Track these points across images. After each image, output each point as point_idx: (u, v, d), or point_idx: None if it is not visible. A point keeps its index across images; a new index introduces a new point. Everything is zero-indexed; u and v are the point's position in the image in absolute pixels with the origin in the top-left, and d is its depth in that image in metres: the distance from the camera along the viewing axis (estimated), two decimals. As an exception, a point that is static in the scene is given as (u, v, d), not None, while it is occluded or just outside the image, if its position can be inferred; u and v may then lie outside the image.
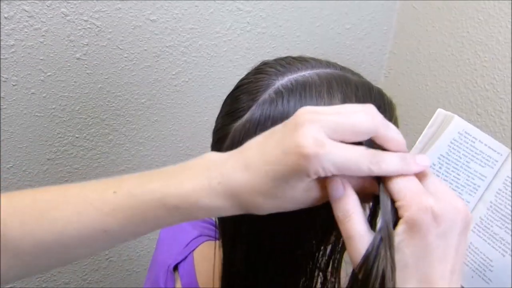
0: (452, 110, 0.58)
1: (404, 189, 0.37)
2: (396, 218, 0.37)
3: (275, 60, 0.50)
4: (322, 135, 0.35)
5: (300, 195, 0.37)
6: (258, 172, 0.36)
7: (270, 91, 0.46)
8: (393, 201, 0.37)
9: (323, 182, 0.37)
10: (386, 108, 0.48)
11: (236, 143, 0.46)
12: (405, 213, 0.36)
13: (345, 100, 0.45)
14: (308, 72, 0.47)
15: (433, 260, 0.36)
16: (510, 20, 0.97)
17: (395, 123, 0.49)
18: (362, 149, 0.36)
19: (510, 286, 0.56)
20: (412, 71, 1.24)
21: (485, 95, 1.04)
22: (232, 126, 0.47)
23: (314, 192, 0.38)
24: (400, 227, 0.36)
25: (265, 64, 0.50)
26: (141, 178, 0.39)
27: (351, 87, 0.47)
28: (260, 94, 0.46)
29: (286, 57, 0.51)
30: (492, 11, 1.00)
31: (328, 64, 0.50)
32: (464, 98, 1.09)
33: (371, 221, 0.41)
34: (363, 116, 0.36)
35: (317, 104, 0.44)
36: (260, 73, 0.48)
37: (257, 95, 0.46)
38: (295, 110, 0.42)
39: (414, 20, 1.22)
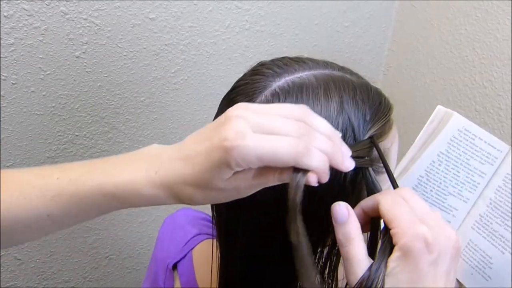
0: (450, 107, 0.58)
1: (398, 217, 0.39)
2: (391, 245, 0.39)
3: (272, 60, 0.50)
4: (246, 129, 0.36)
5: (227, 186, 0.39)
6: (189, 164, 0.38)
7: (267, 93, 0.45)
8: (388, 228, 0.39)
9: (250, 171, 0.38)
10: (383, 109, 0.48)
11: None
12: (399, 240, 0.38)
13: (343, 102, 0.45)
14: (305, 73, 0.47)
15: (425, 285, 0.38)
16: (508, 17, 0.97)
17: (389, 124, 0.49)
18: (290, 140, 0.36)
19: (509, 283, 0.56)
20: (410, 69, 1.25)
21: (484, 92, 1.04)
22: None
23: (241, 182, 0.39)
24: (395, 254, 0.38)
25: (262, 65, 0.50)
26: (85, 166, 0.41)
27: (349, 88, 0.46)
28: (256, 95, 0.46)
29: (283, 58, 0.50)
30: (490, 9, 1.01)
31: (326, 64, 0.49)
32: (462, 95, 1.09)
33: (371, 247, 0.43)
34: (286, 144, 0.36)
35: (313, 107, 0.44)
36: (257, 74, 0.48)
37: (254, 97, 0.46)
38: None
39: (412, 18, 1.22)
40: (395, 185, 0.44)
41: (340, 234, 0.40)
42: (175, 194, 0.40)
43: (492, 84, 1.02)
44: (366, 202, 0.43)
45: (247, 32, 1.10)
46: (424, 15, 1.18)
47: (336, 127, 0.44)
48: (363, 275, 0.38)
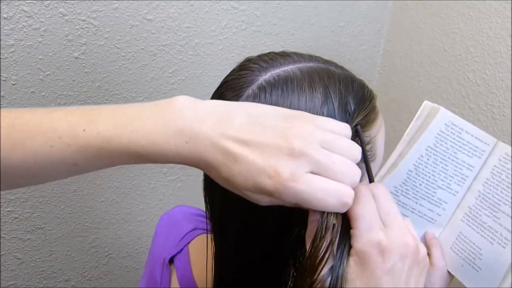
0: (445, 105, 0.59)
1: (359, 218, 0.40)
2: (350, 245, 0.40)
3: (259, 56, 0.51)
4: (302, 171, 0.37)
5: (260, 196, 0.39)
6: (228, 160, 0.38)
7: (254, 87, 0.47)
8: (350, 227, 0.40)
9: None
10: (367, 98, 0.49)
11: None
12: (355, 243, 0.39)
13: (327, 93, 0.46)
14: (290, 67, 0.48)
15: None
16: (500, 16, 0.98)
17: (374, 113, 0.50)
18: (340, 192, 0.38)
19: (498, 274, 0.57)
20: (405, 68, 1.26)
21: (477, 90, 1.05)
22: None
23: (269, 200, 0.40)
24: (352, 258, 0.39)
25: (248, 60, 0.51)
26: (111, 118, 0.40)
27: (333, 80, 0.47)
28: (244, 90, 0.47)
29: (269, 53, 0.52)
30: (482, 7, 1.02)
31: (310, 58, 0.51)
32: (456, 93, 1.10)
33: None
34: (335, 198, 0.38)
35: (298, 98, 0.45)
36: (244, 69, 0.49)
37: (241, 91, 0.47)
38: (277, 104, 0.44)
39: (406, 17, 1.24)
40: (371, 178, 0.45)
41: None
42: (204, 171, 0.40)
43: (485, 82, 1.03)
44: None
45: (243, 32, 1.11)
46: (418, 14, 1.20)
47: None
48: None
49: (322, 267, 0.39)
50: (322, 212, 0.40)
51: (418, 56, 1.21)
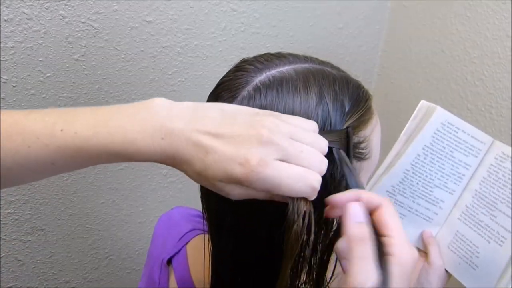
0: (443, 106, 0.60)
1: (397, 229, 0.39)
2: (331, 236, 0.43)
3: (254, 57, 0.52)
4: (271, 157, 0.39)
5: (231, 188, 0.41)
6: (201, 153, 0.39)
7: (249, 88, 0.47)
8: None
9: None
10: (362, 99, 0.50)
11: None
12: (397, 252, 0.38)
13: (322, 93, 0.47)
14: (285, 68, 0.49)
15: None
16: (498, 17, 0.99)
17: (369, 113, 0.51)
18: (308, 176, 0.40)
19: (495, 272, 0.58)
20: (404, 69, 1.27)
21: (475, 90, 1.06)
22: None
23: (240, 192, 0.41)
24: (395, 268, 0.38)
25: (244, 61, 0.52)
26: (89, 118, 0.40)
27: (328, 80, 0.48)
28: (239, 91, 0.48)
29: (264, 54, 0.52)
30: (480, 9, 1.03)
31: (306, 59, 0.51)
32: (455, 94, 1.11)
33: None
34: (303, 183, 0.40)
35: (293, 99, 0.46)
36: (240, 71, 0.50)
37: (237, 92, 0.48)
38: (271, 105, 0.45)
39: (405, 19, 1.24)
40: (350, 184, 0.44)
41: (355, 231, 0.39)
42: (178, 167, 0.41)
43: (483, 83, 1.04)
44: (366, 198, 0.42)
45: (243, 34, 1.11)
46: (416, 16, 1.20)
47: (316, 117, 0.46)
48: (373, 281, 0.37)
49: (300, 254, 0.41)
50: (292, 199, 0.41)
51: (416, 57, 1.22)
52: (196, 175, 0.41)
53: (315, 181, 0.40)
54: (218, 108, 0.42)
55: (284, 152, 0.39)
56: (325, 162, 0.42)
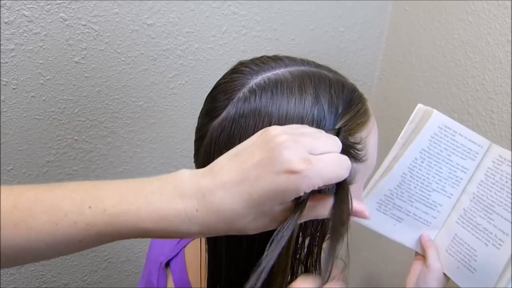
0: (444, 111, 0.60)
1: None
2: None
3: (251, 60, 0.52)
4: (306, 152, 0.38)
5: (280, 215, 0.40)
6: (243, 192, 0.38)
7: (245, 90, 0.47)
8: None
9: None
10: (354, 102, 0.50)
11: (214, 140, 0.48)
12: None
13: (317, 96, 0.47)
14: (281, 70, 0.49)
15: None
16: (499, 22, 0.99)
17: (366, 114, 0.51)
18: (335, 159, 0.40)
19: (493, 275, 0.57)
20: (405, 73, 1.26)
21: (476, 95, 1.05)
22: (211, 124, 0.49)
23: (289, 211, 0.40)
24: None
25: (241, 64, 0.52)
26: (117, 195, 0.39)
27: (324, 83, 0.48)
28: (235, 93, 0.48)
29: (261, 57, 0.53)
30: (481, 13, 1.02)
31: (302, 62, 0.51)
32: (455, 99, 1.10)
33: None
34: (341, 162, 0.40)
35: (288, 101, 0.46)
36: (236, 73, 0.50)
37: (233, 94, 0.48)
38: (266, 107, 0.45)
39: (406, 23, 1.24)
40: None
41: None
42: (221, 229, 0.39)
43: (484, 88, 1.03)
44: None
45: (243, 37, 1.11)
46: (417, 20, 1.20)
47: (311, 119, 0.46)
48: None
49: (295, 255, 0.42)
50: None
51: (417, 61, 1.21)
52: (251, 224, 0.39)
53: (346, 160, 0.40)
54: (226, 157, 0.41)
55: (307, 145, 0.38)
56: (337, 141, 0.41)
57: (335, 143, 0.41)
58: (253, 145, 0.40)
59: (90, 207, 0.39)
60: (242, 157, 0.40)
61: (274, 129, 0.40)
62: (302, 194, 0.38)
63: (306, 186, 0.37)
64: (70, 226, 0.38)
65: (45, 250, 0.40)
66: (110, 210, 0.38)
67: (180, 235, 0.39)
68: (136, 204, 0.38)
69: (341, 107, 0.48)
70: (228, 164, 0.40)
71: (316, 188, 0.38)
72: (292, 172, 0.37)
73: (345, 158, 0.40)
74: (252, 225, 0.39)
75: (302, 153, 0.38)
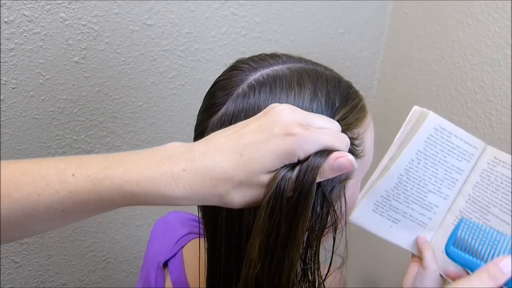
0: (443, 113, 0.60)
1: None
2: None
3: (249, 57, 0.53)
4: (303, 123, 0.39)
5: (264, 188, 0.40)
6: (234, 154, 0.38)
7: (244, 86, 0.48)
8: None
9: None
10: (350, 97, 0.51)
11: None
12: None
13: (316, 90, 0.47)
14: (279, 66, 0.50)
15: None
16: (498, 25, 0.99)
17: (364, 111, 0.52)
18: (332, 131, 0.42)
19: None
20: (404, 75, 1.26)
21: (475, 98, 1.06)
22: (210, 120, 0.49)
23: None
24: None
25: (239, 61, 0.53)
26: (102, 162, 0.39)
27: (322, 79, 0.49)
28: (234, 89, 0.48)
29: (259, 54, 0.53)
30: (481, 16, 1.03)
31: (300, 59, 0.52)
32: (455, 101, 1.10)
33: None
34: (335, 137, 0.42)
35: (287, 95, 0.47)
36: (235, 70, 0.51)
37: (232, 90, 0.48)
38: (265, 101, 0.46)
39: (406, 25, 1.24)
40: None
41: None
42: (206, 192, 0.39)
43: (483, 90, 1.04)
44: None
45: (243, 38, 1.12)
46: (417, 22, 1.20)
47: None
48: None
49: None
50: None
51: (417, 63, 1.22)
52: (238, 192, 0.39)
53: (345, 136, 0.42)
54: (221, 130, 0.42)
55: (307, 117, 0.40)
56: (337, 124, 0.44)
57: (335, 124, 0.43)
58: (251, 118, 0.42)
59: (73, 175, 0.38)
60: (238, 126, 0.41)
61: (272, 105, 0.42)
62: (295, 159, 0.39)
63: (301, 149, 0.38)
64: (52, 195, 0.38)
65: (32, 223, 0.40)
66: (94, 176, 0.38)
67: (164, 200, 0.39)
68: (121, 169, 0.38)
69: (338, 101, 0.49)
70: (223, 132, 0.41)
71: (311, 152, 0.39)
72: (289, 134, 0.38)
73: (343, 135, 0.42)
74: (236, 194, 0.39)
75: (301, 120, 0.39)
